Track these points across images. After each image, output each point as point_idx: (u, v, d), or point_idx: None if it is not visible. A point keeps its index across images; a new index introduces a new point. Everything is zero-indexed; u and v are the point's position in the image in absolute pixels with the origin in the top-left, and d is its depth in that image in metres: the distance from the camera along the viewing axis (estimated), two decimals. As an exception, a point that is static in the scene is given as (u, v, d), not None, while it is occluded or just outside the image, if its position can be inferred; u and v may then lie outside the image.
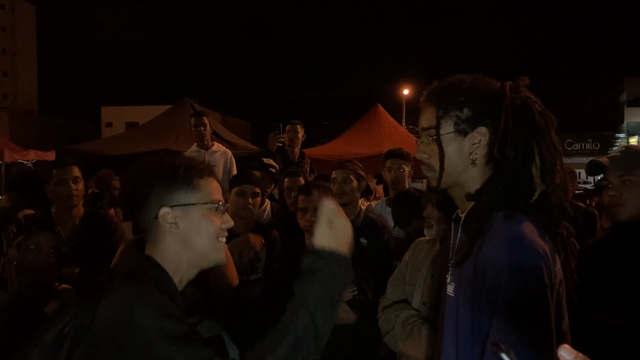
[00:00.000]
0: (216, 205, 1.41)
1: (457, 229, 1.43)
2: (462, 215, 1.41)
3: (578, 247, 1.43)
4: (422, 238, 2.57)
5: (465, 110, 1.36)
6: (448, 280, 1.42)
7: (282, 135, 5.14)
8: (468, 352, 1.29)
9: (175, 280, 1.39)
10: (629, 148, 2.20)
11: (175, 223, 1.37)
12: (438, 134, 1.37)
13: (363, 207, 3.69)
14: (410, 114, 25.38)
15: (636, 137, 33.91)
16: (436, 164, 1.39)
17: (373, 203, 4.09)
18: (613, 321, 2.03)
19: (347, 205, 3.36)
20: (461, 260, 1.32)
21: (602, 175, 2.29)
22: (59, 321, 1.29)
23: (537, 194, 1.33)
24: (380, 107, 11.48)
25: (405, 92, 26.84)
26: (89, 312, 1.26)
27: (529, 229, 1.27)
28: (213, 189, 1.43)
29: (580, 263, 2.25)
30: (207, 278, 2.46)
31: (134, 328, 1.17)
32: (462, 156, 1.37)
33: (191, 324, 1.52)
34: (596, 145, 30.50)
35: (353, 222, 3.27)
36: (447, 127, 1.37)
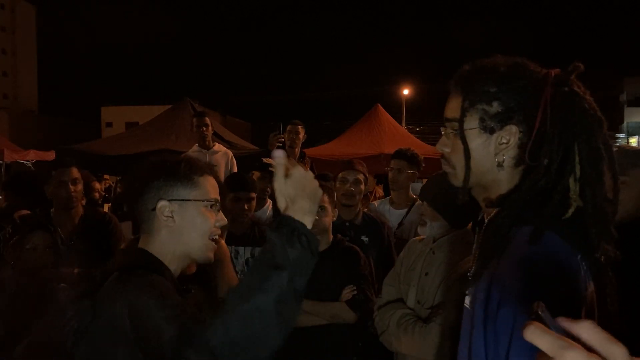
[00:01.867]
0: (212, 203, 1.45)
1: (480, 235, 1.27)
2: (487, 220, 1.24)
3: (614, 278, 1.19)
4: (417, 237, 2.57)
5: (495, 104, 1.15)
6: (467, 292, 1.25)
7: (283, 135, 5.14)
8: None
9: (171, 270, 1.42)
10: (622, 148, 2.19)
11: (172, 217, 1.40)
12: (462, 129, 1.18)
13: (365, 208, 3.70)
14: (410, 114, 25.40)
15: (636, 137, 33.92)
16: (458, 161, 1.22)
17: (375, 202, 4.09)
18: (609, 322, 2.03)
19: (351, 207, 3.38)
20: (474, 279, 1.16)
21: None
22: (62, 318, 1.33)
23: (571, 210, 1.11)
24: (380, 107, 11.47)
25: (405, 92, 26.85)
26: (89, 307, 1.30)
27: (554, 250, 1.05)
28: (211, 187, 1.47)
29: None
30: (209, 278, 2.46)
31: (138, 318, 1.21)
32: (487, 156, 1.17)
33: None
34: (596, 145, 30.44)
35: (353, 221, 3.35)
36: (472, 122, 1.17)
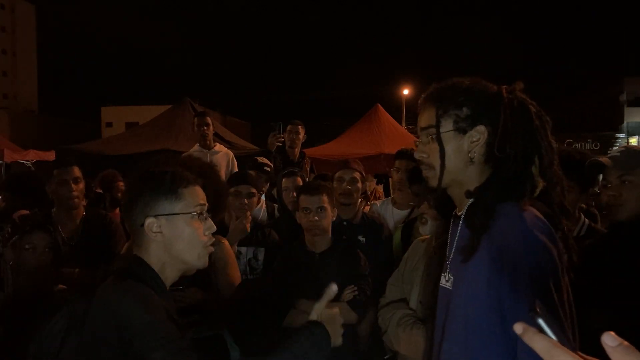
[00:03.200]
0: (199, 212, 1.49)
1: (456, 227, 1.45)
2: (461, 213, 1.43)
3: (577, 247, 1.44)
4: (421, 237, 2.57)
5: (465, 109, 1.39)
6: (446, 278, 1.45)
7: (282, 135, 5.14)
8: (485, 338, 1.28)
9: (162, 278, 1.47)
10: (628, 148, 2.20)
11: (160, 232, 1.45)
12: (438, 132, 1.39)
13: (365, 208, 3.70)
14: (410, 114, 25.36)
15: (636, 137, 33.90)
16: (436, 162, 1.41)
17: (377, 202, 4.09)
18: (611, 321, 2.03)
19: (349, 205, 3.39)
20: (468, 256, 1.32)
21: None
22: (56, 316, 1.39)
23: (538, 190, 1.36)
24: (380, 107, 11.48)
25: (405, 92, 26.80)
26: (82, 307, 1.36)
27: (539, 215, 1.30)
28: (196, 196, 1.51)
29: (579, 262, 2.26)
30: (209, 278, 2.46)
31: (120, 321, 1.27)
32: (461, 154, 1.39)
33: (190, 322, 1.58)
34: (596, 145, 30.44)
35: (352, 220, 3.35)
36: (447, 126, 1.40)
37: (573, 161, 2.34)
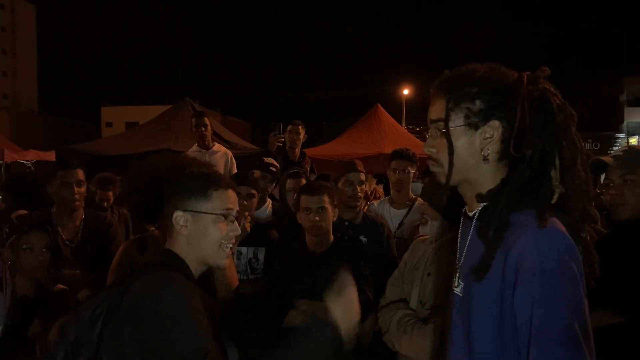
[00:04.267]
0: (224, 215, 1.59)
1: (466, 228, 1.35)
2: (472, 214, 1.33)
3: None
4: (421, 237, 2.57)
5: (478, 102, 1.27)
6: (455, 283, 1.36)
7: (283, 135, 5.13)
8: (490, 356, 1.22)
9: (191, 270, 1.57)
10: (631, 148, 2.20)
11: (186, 226, 1.56)
12: (447, 127, 1.28)
13: (364, 208, 3.70)
14: (410, 114, 25.39)
15: (636, 137, 33.89)
16: (444, 159, 1.30)
17: (375, 202, 4.09)
18: (614, 321, 2.02)
19: (356, 208, 3.39)
20: (481, 275, 1.23)
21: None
22: (93, 302, 1.46)
23: (556, 196, 1.24)
24: (380, 107, 11.48)
25: (405, 92, 26.81)
26: (119, 294, 1.43)
27: (561, 227, 1.19)
28: (226, 200, 1.62)
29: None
30: (209, 279, 2.46)
31: (158, 308, 1.35)
32: (473, 152, 1.28)
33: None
34: (596, 145, 30.43)
35: (353, 220, 3.34)
36: (457, 120, 1.28)
37: None
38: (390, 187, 4.05)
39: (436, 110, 1.32)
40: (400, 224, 3.68)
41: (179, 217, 1.56)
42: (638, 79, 38.92)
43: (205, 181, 1.60)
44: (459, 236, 1.39)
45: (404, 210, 3.73)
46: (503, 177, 1.28)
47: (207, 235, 1.56)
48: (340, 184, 3.43)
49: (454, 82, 1.30)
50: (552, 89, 1.27)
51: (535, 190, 1.24)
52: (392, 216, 3.75)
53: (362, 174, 3.45)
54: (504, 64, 1.33)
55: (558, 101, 1.26)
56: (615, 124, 39.02)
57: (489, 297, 1.21)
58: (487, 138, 1.26)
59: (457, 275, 1.36)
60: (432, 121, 1.33)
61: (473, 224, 1.32)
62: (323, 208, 2.76)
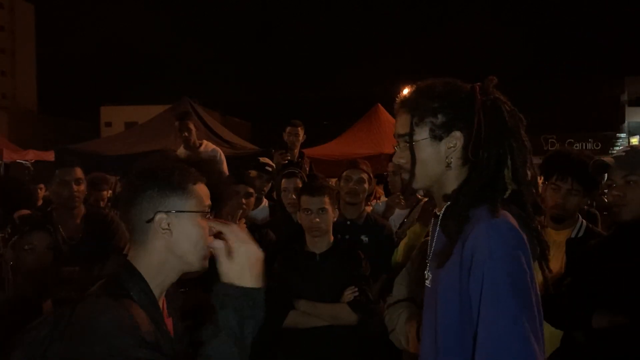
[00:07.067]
0: (207, 212, 1.43)
1: (436, 226, 1.49)
2: (440, 213, 1.46)
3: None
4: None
5: (440, 116, 1.40)
6: (426, 275, 1.50)
7: (288, 155, 5.10)
8: (451, 340, 1.34)
9: (157, 282, 1.40)
10: (633, 148, 2.20)
11: (169, 230, 1.37)
12: (411, 142, 1.42)
13: (367, 209, 3.70)
14: (410, 113, 25.26)
15: (637, 137, 33.79)
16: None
17: (379, 202, 4.10)
18: (615, 321, 2.02)
19: (355, 205, 3.39)
20: (441, 262, 1.37)
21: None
22: (40, 324, 1.31)
23: (508, 192, 1.39)
24: (381, 107, 11.47)
25: (405, 92, 26.79)
26: (67, 316, 1.28)
27: (511, 219, 1.33)
28: (204, 195, 1.44)
29: (583, 263, 2.24)
30: (209, 279, 2.44)
31: (95, 338, 1.22)
32: (439, 160, 1.42)
33: (187, 326, 1.54)
34: (597, 145, 30.40)
35: (356, 220, 3.34)
36: (423, 134, 1.42)
37: (583, 164, 2.33)
38: (390, 188, 4.05)
39: (402, 125, 1.46)
40: (402, 224, 3.68)
41: (162, 219, 1.36)
42: (639, 79, 38.94)
43: (181, 176, 1.40)
44: (430, 234, 1.54)
45: (406, 211, 3.73)
46: (464, 180, 1.43)
47: (191, 236, 1.39)
48: (341, 181, 3.46)
49: (416, 99, 1.45)
50: (501, 97, 1.42)
51: (491, 188, 1.38)
52: (393, 217, 3.77)
53: (363, 172, 3.46)
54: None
55: (508, 108, 1.41)
56: (616, 124, 39.01)
57: (451, 283, 1.34)
58: (451, 147, 1.41)
59: (427, 268, 1.50)
60: (400, 135, 1.47)
61: (439, 223, 1.46)
62: (323, 209, 2.75)
